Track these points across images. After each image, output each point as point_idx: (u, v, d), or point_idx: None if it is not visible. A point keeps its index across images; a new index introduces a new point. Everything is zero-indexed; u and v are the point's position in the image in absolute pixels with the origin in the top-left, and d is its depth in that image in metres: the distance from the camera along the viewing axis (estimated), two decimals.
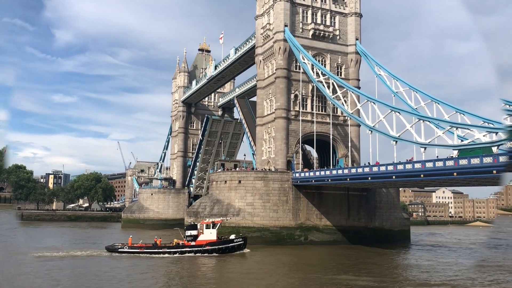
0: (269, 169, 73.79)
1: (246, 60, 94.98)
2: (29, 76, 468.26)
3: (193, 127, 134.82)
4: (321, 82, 72.08)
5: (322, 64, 78.88)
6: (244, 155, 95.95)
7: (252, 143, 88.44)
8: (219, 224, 56.64)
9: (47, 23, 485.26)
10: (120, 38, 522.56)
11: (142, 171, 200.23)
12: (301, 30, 79.15)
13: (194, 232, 55.17)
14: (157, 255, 52.19)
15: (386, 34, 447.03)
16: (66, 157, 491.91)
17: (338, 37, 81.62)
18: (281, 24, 77.15)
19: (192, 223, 58.13)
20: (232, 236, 57.44)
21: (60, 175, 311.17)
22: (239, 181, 71.93)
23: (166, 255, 52.38)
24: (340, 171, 62.96)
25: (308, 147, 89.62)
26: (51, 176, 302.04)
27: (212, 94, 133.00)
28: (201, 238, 54.70)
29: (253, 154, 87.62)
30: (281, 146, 75.58)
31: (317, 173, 66.85)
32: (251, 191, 70.82)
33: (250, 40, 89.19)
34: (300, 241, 68.68)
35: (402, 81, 68.60)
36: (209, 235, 54.79)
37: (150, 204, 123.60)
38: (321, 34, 79.93)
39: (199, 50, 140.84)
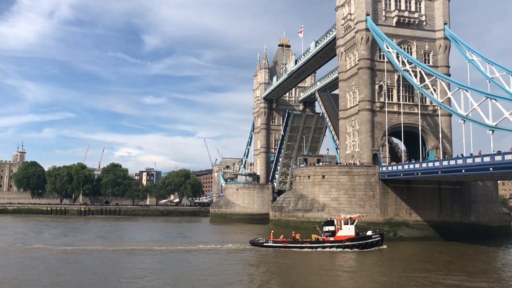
0: (354, 163, 72.00)
1: (327, 52, 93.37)
2: (122, 81, 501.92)
3: (274, 123, 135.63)
4: (408, 71, 68.76)
5: (408, 52, 75.20)
6: (327, 149, 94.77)
7: (335, 137, 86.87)
8: (356, 220, 56.41)
9: (136, 29, 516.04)
10: (203, 39, 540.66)
11: (227, 167, 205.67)
12: (384, 18, 76.06)
13: (331, 228, 55.56)
14: (299, 250, 53.58)
15: (478, 16, 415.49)
16: (157, 155, 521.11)
17: (424, 23, 77.31)
18: (362, 13, 74.74)
19: (329, 219, 58.04)
20: (369, 232, 57.10)
21: (153, 172, 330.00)
22: (323, 176, 71.01)
23: (308, 249, 53.52)
24: (430, 164, 59.60)
25: (395, 140, 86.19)
26: (144, 174, 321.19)
27: (293, 89, 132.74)
28: (340, 233, 54.94)
29: (336, 148, 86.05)
30: (366, 139, 73.35)
31: (406, 167, 63.89)
32: (336, 186, 69.61)
33: (330, 32, 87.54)
34: (389, 237, 66.11)
35: (498, 65, 63.10)
36: (348, 230, 54.89)
37: (236, 199, 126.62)
38: (406, 21, 76.20)
39: (279, 45, 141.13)
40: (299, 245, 54.90)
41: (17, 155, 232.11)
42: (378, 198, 68.55)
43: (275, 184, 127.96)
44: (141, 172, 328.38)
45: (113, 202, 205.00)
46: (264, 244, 56.33)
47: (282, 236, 58.19)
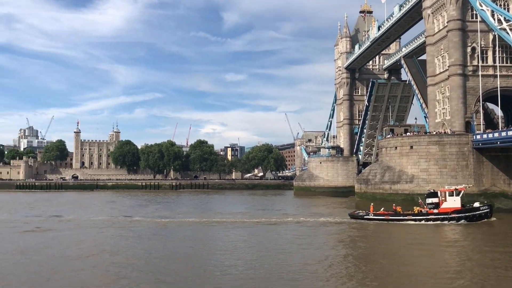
0: (445, 132, 68.40)
1: (412, 16, 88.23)
2: (204, 59, 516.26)
3: (358, 93, 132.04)
4: (505, 29, 63.01)
5: (504, 8, 68.86)
6: (415, 118, 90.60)
7: (424, 105, 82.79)
8: (462, 191, 54.51)
9: (215, 7, 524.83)
10: (282, 12, 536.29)
11: (309, 140, 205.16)
12: None
13: (435, 200, 54.36)
14: (402, 222, 52.91)
15: None
16: (241, 131, 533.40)
17: None
18: None
19: (432, 190, 56.65)
20: (476, 204, 55.05)
21: (237, 148, 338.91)
22: (411, 147, 68.42)
23: (411, 222, 52.74)
24: None
25: (490, 105, 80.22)
26: (229, 149, 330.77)
27: (376, 57, 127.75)
28: (444, 205, 53.58)
29: (425, 117, 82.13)
30: (458, 106, 69.08)
31: (504, 134, 59.45)
32: (425, 157, 66.77)
33: None
34: None
35: None
36: (453, 202, 53.41)
37: (319, 172, 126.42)
38: None
39: (360, 12, 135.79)
40: (402, 217, 53.67)
41: (113, 134, 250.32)
42: (471, 168, 64.77)
43: (359, 156, 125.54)
44: (226, 147, 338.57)
45: (201, 176, 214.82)
46: (365, 217, 55.74)
47: (382, 208, 57.21)
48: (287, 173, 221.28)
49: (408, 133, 76.19)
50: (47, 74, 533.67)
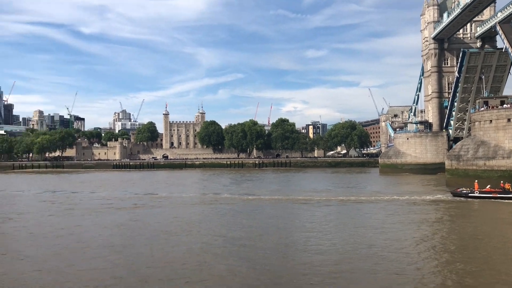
0: None
1: None
2: (284, 37, 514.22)
3: (447, 64, 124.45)
4: None
5: None
6: None
7: None
8: None
9: None
10: None
11: (395, 116, 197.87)
12: None
13: None
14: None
15: None
16: (322, 108, 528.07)
17: None
18: None
19: None
20: None
21: (318, 125, 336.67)
22: (508, 120, 63.87)
23: None
24: None
25: None
26: (311, 127, 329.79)
27: (468, 25, 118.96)
28: None
29: None
30: None
31: None
32: None
33: None
34: None
35: None
36: None
37: (406, 149, 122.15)
38: None
39: None
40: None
41: (199, 115, 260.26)
42: None
43: (450, 131, 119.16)
44: (307, 125, 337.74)
45: (283, 155, 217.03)
46: (469, 194, 53.51)
47: (488, 186, 54.64)
48: (371, 150, 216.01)
49: (505, 105, 70.99)
50: (137, 60, 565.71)
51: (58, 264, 26.09)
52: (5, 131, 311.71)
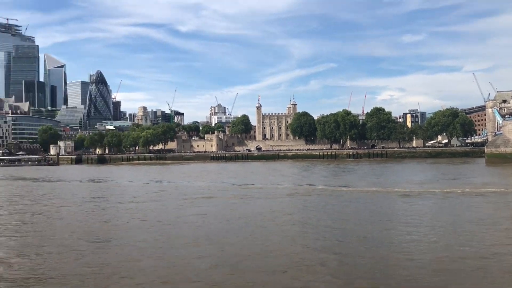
0: None
1: None
2: (379, 23, 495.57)
3: None
4: None
5: None
6: None
7: None
8: None
9: None
10: None
11: (504, 101, 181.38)
12: None
13: None
14: None
15: None
16: (420, 95, 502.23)
17: None
18: None
19: None
20: None
21: (417, 114, 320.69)
22: None
23: None
24: None
25: None
26: (408, 115, 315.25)
27: None
28: None
29: None
30: None
31: None
32: None
33: None
34: None
35: None
36: None
37: None
38: None
39: None
40: None
41: (290, 107, 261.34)
42: None
43: None
44: (405, 114, 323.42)
45: (379, 145, 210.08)
46: None
47: None
48: (476, 139, 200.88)
49: None
50: (231, 55, 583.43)
51: (158, 250, 27.93)
52: (114, 126, 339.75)
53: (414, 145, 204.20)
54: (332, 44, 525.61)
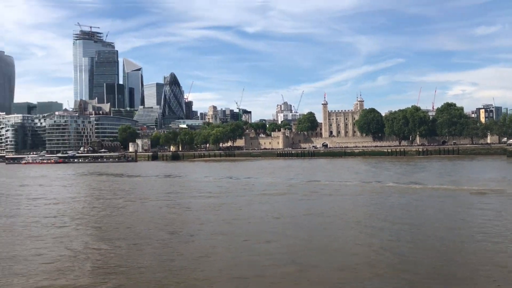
0: None
1: None
2: (449, 16, 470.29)
3: None
4: None
5: None
6: None
7: None
8: None
9: None
10: None
11: None
12: None
13: None
14: None
15: None
16: (495, 89, 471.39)
17: None
18: None
19: None
20: None
21: (491, 109, 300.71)
22: None
23: None
24: None
25: None
26: (482, 111, 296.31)
27: None
28: None
29: None
30: None
31: None
32: None
33: None
34: None
35: None
36: None
37: None
38: None
39: None
40: None
41: (357, 104, 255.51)
42: None
43: None
44: (478, 109, 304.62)
45: (450, 141, 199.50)
46: None
47: None
48: None
49: None
50: (297, 54, 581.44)
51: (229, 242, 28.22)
52: (186, 125, 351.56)
53: (488, 141, 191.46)
54: (401, 39, 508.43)
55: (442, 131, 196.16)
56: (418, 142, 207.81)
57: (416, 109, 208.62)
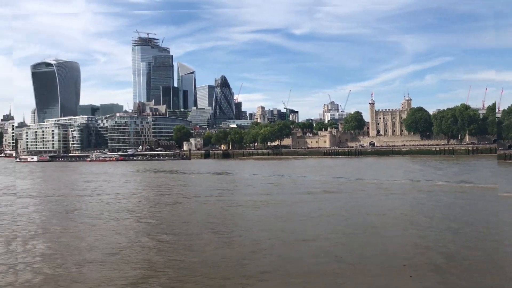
0: None
1: None
2: (499, 13, 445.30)
3: None
4: None
5: None
6: None
7: None
8: None
9: None
10: None
11: None
12: None
13: None
14: None
15: None
16: None
17: None
18: None
19: None
20: None
21: None
22: None
23: None
24: None
25: None
26: None
27: None
28: None
29: None
30: None
31: None
32: None
33: None
34: None
35: None
36: None
37: None
38: None
39: None
40: None
41: (404, 102, 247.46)
42: None
43: None
44: None
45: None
46: None
47: None
48: None
49: None
50: (343, 54, 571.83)
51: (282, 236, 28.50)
52: (236, 125, 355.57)
53: None
54: (449, 37, 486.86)
55: (493, 129, 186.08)
56: (467, 140, 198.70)
57: (465, 107, 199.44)
